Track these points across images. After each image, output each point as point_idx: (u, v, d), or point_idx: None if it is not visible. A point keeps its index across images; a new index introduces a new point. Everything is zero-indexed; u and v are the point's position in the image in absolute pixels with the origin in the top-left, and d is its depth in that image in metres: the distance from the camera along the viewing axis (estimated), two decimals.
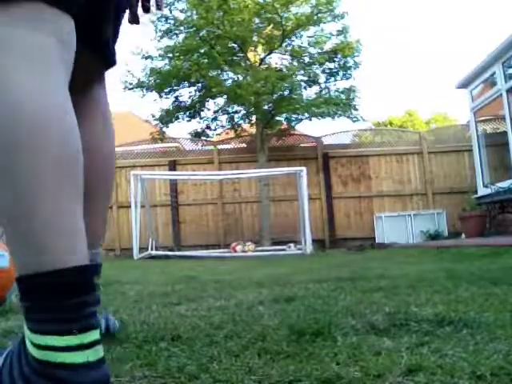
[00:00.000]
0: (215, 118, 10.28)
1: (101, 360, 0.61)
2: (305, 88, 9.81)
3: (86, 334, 0.60)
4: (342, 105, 9.27)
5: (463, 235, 8.37)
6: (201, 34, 9.39)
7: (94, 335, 0.62)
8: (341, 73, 9.95)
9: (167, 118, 9.89)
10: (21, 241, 0.63)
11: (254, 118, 10.00)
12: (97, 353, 0.61)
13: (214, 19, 8.90)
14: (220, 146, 10.44)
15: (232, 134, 10.53)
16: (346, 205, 9.89)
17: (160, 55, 9.69)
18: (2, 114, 0.62)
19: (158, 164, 10.15)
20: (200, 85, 9.81)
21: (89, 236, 0.99)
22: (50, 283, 0.60)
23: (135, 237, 7.98)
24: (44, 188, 0.62)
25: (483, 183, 8.63)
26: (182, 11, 9.63)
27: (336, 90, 9.86)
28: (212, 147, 10.36)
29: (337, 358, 0.92)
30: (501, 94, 7.99)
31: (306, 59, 9.87)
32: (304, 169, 7.99)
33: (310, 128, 11.90)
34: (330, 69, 9.94)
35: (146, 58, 9.73)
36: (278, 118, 9.82)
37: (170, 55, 9.60)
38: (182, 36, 9.74)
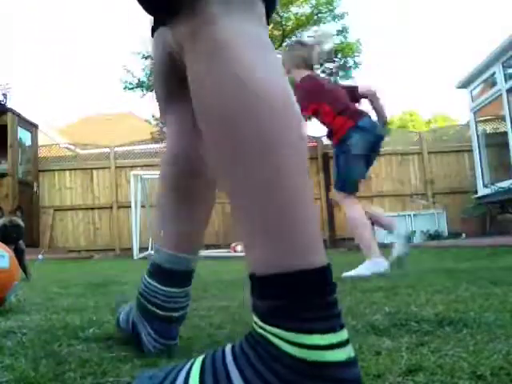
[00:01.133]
0: None
1: (356, 357, 0.61)
2: None
3: (343, 332, 0.60)
4: None
5: (463, 235, 8.37)
6: None
7: (346, 333, 0.61)
8: (341, 73, 9.96)
9: None
10: (278, 237, 0.61)
11: None
12: (351, 350, 0.61)
13: None
14: None
15: None
16: None
17: None
18: (248, 97, 0.62)
19: (158, 164, 10.13)
20: None
21: (192, 241, 1.01)
22: (316, 281, 0.60)
23: (135, 237, 7.98)
24: (297, 182, 0.62)
25: (483, 183, 8.63)
26: None
27: None
28: None
29: None
30: (501, 94, 7.99)
31: None
32: None
33: (310, 128, 11.89)
34: (330, 69, 9.95)
35: (146, 57, 9.74)
36: None
37: None
38: None
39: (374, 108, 3.07)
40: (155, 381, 0.66)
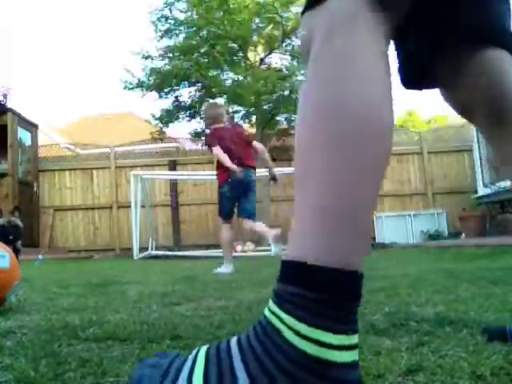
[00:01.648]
0: None
1: (358, 361, 0.62)
2: None
3: (354, 336, 0.61)
4: None
5: (463, 235, 8.37)
6: (201, 34, 9.39)
7: (357, 338, 0.62)
8: None
9: (167, 117, 9.89)
10: (342, 234, 0.62)
11: (253, 118, 10.00)
12: (357, 354, 0.62)
13: (215, 19, 8.90)
14: None
15: None
16: None
17: (160, 55, 9.69)
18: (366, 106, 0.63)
19: (158, 164, 10.15)
20: (200, 85, 9.81)
21: None
22: (354, 284, 0.61)
23: (135, 237, 7.98)
24: (373, 185, 0.64)
25: (483, 183, 8.63)
26: (181, 11, 9.64)
27: None
28: None
29: None
30: None
31: None
32: None
33: None
34: None
35: (146, 57, 9.73)
36: (278, 118, 9.82)
37: (170, 55, 9.60)
38: (181, 36, 9.74)
39: (262, 158, 4.51)
40: (159, 371, 0.65)
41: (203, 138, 10.45)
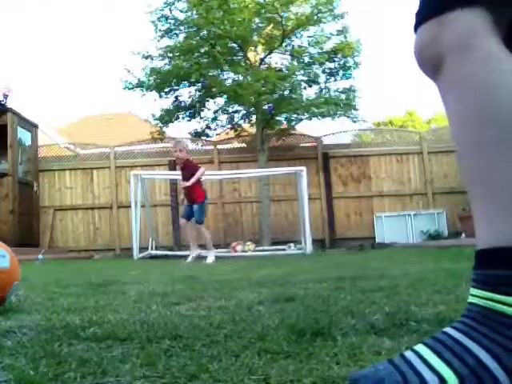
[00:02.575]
0: (215, 118, 10.27)
1: None
2: (304, 88, 9.81)
3: None
4: (341, 105, 9.27)
5: (463, 235, 8.37)
6: (201, 34, 9.39)
7: None
8: (341, 73, 9.94)
9: (167, 117, 9.88)
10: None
11: (254, 118, 10.00)
12: None
13: (215, 19, 8.89)
14: (220, 146, 10.44)
15: (232, 133, 10.53)
16: (346, 205, 9.89)
17: (160, 55, 9.69)
18: None
19: (157, 164, 10.15)
20: (200, 84, 9.80)
21: None
22: None
23: (135, 237, 7.98)
24: None
25: None
26: (182, 11, 9.63)
27: (336, 90, 9.86)
28: (212, 147, 10.36)
29: (337, 357, 0.92)
30: None
31: (306, 59, 9.87)
32: (304, 169, 7.98)
33: (310, 128, 11.87)
34: (330, 69, 9.94)
35: (146, 57, 9.72)
36: (278, 118, 9.82)
37: (170, 55, 9.59)
38: (182, 36, 9.74)
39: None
40: (394, 377, 0.66)
41: (203, 138, 10.49)
